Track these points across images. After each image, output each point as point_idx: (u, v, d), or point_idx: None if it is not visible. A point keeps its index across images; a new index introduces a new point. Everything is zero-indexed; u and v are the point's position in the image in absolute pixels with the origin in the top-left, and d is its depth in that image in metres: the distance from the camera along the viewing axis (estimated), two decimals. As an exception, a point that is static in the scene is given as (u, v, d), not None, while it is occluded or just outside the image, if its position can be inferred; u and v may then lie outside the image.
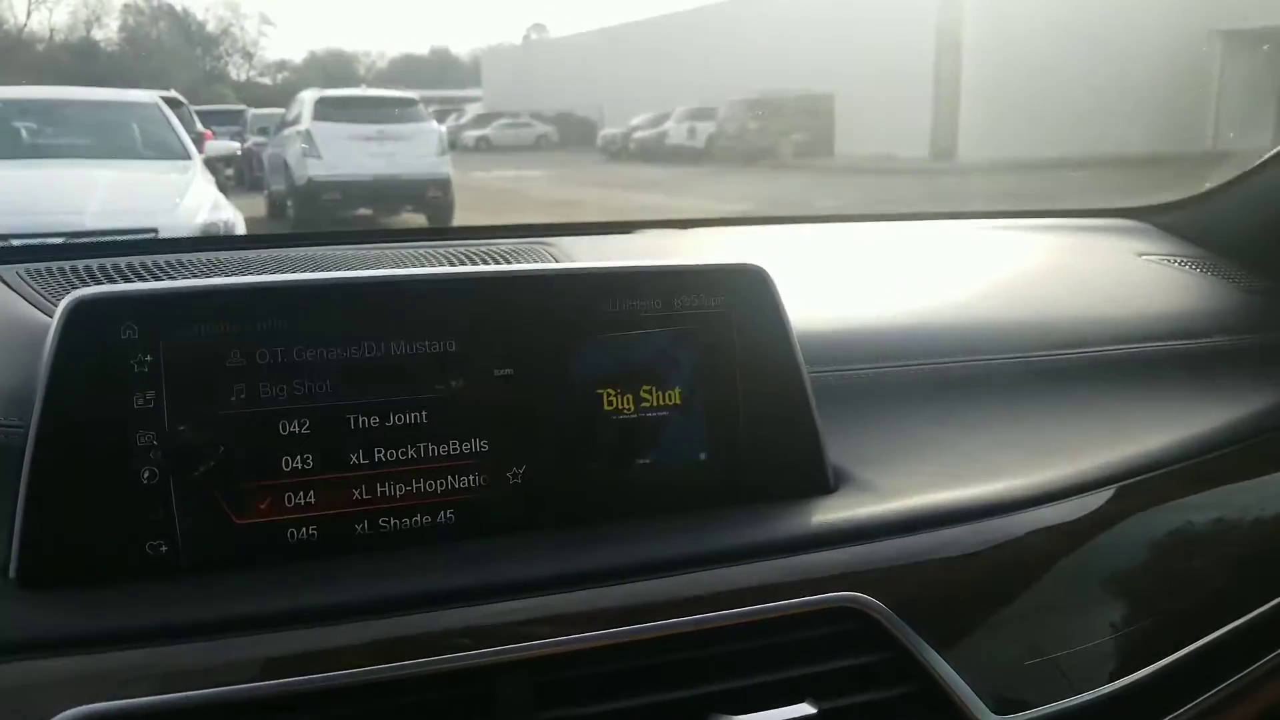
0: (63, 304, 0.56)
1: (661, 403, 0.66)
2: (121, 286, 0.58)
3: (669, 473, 0.65)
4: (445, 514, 0.61)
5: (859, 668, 0.59)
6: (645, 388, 0.66)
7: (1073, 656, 0.65)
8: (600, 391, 0.65)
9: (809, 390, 0.68)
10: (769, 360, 0.67)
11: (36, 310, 0.74)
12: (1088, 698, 0.64)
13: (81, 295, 0.57)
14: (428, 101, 11.31)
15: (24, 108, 5.30)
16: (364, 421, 0.60)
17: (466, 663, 0.53)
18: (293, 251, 0.96)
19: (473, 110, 23.16)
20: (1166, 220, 1.23)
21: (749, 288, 0.68)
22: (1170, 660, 0.68)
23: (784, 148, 15.93)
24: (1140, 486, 0.73)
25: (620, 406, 0.65)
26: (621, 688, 0.55)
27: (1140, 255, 1.13)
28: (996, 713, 0.60)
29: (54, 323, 0.56)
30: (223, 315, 0.58)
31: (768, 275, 0.68)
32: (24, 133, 5.14)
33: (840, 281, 0.98)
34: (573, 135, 22.03)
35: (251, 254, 0.95)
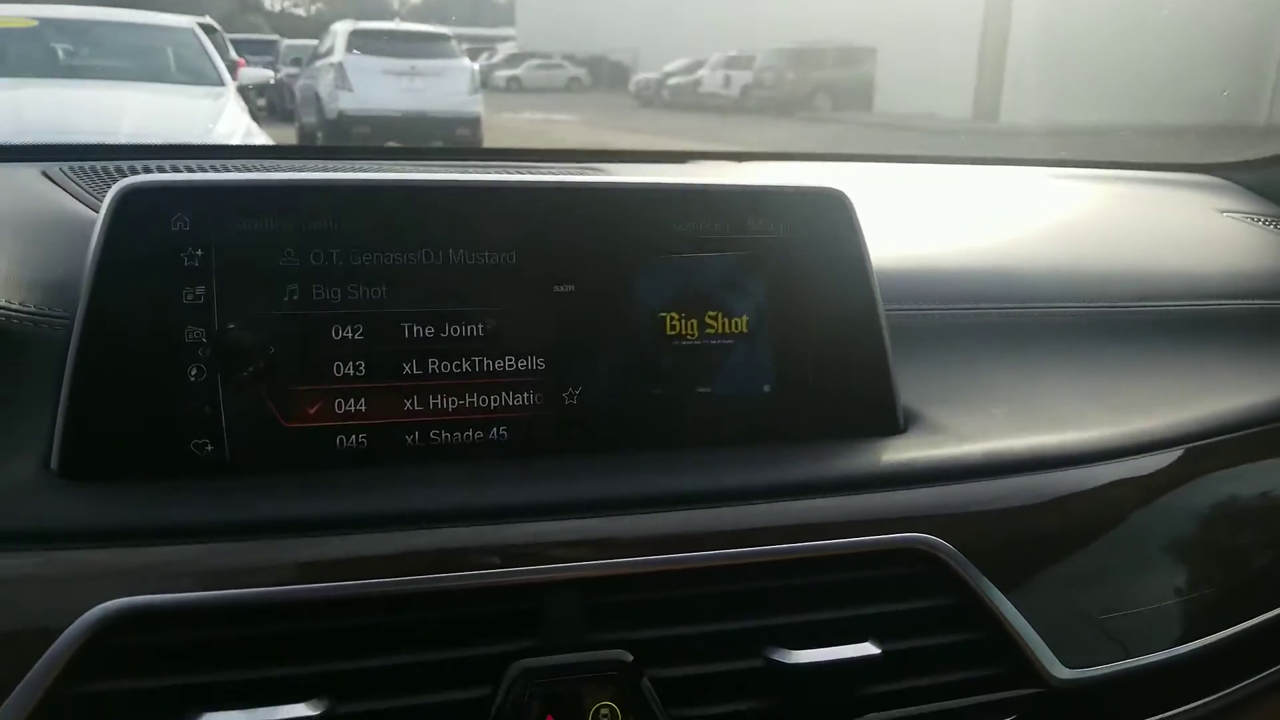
0: (113, 191, 0.54)
1: (727, 330, 0.63)
2: (174, 175, 0.55)
3: (731, 404, 0.62)
4: (498, 430, 0.58)
5: (925, 611, 0.56)
6: (710, 313, 0.62)
7: (1144, 615, 0.62)
8: (663, 315, 0.62)
9: (884, 326, 0.64)
10: (844, 292, 0.64)
11: (82, 205, 0.72)
12: (1158, 659, 0.61)
13: (133, 183, 0.54)
14: (460, 39, 11.14)
15: (60, 27, 5.24)
16: (418, 331, 0.57)
17: (515, 579, 0.51)
18: (334, 164, 0.93)
19: (505, 50, 22.81)
20: (1248, 178, 1.17)
21: (828, 213, 0.64)
22: (1245, 627, 0.66)
23: (821, 101, 15.62)
24: (1218, 447, 0.70)
25: (683, 332, 0.62)
26: (676, 615, 0.53)
27: (1221, 212, 1.08)
28: (1066, 666, 0.57)
29: (103, 210, 0.54)
30: (278, 211, 0.55)
31: (849, 201, 0.64)
32: (60, 52, 5.09)
33: (911, 221, 0.94)
34: (605, 79, 21.70)
35: (296, 164, 0.93)
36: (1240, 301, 0.87)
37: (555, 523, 0.53)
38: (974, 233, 0.92)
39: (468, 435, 0.58)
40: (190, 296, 0.54)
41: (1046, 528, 0.60)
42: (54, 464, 0.52)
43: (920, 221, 0.95)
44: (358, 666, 0.48)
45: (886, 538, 0.56)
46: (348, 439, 0.56)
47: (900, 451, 0.62)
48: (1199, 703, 0.62)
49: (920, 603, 0.56)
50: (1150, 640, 0.61)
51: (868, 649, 0.53)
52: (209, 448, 0.54)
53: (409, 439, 0.57)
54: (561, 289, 0.60)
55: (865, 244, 0.64)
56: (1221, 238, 1.01)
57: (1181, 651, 0.62)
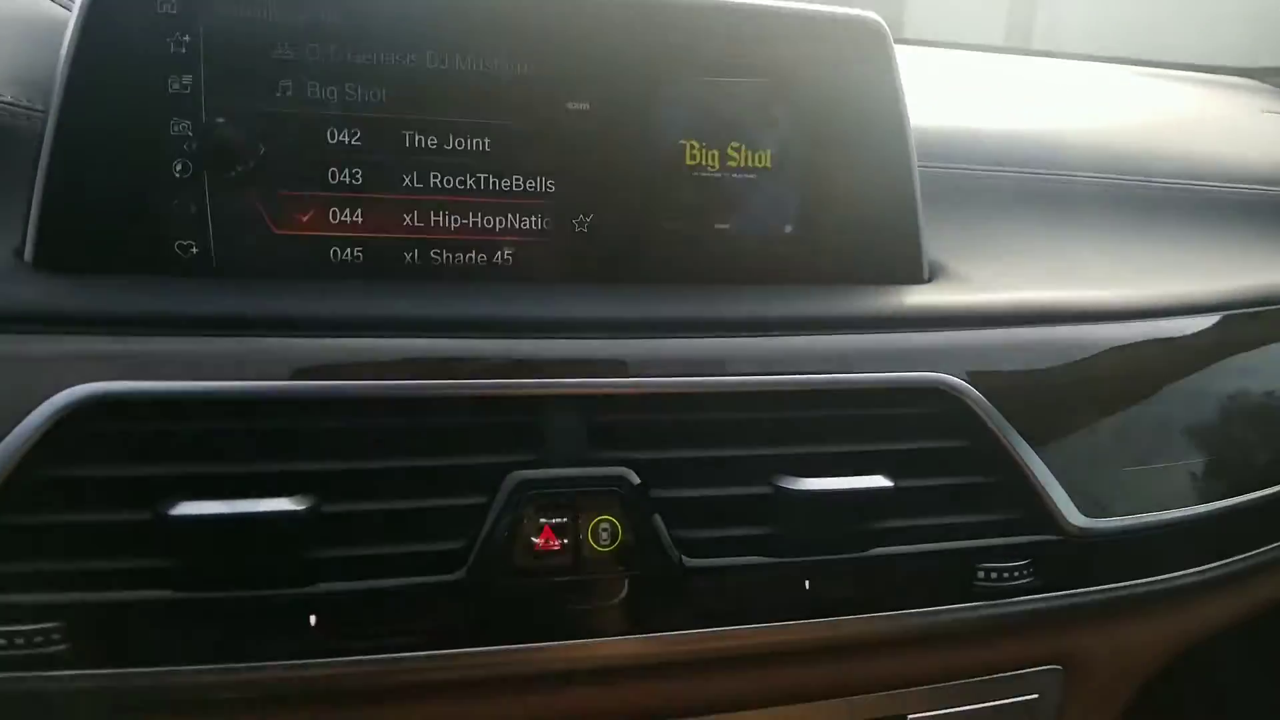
0: None
1: (749, 164, 0.59)
2: None
3: (750, 242, 0.59)
4: (502, 254, 0.55)
5: (942, 451, 0.53)
6: (733, 144, 0.58)
7: (1164, 473, 0.60)
8: (684, 143, 0.57)
9: (914, 168, 0.60)
10: (876, 130, 0.60)
11: (69, 12, 0.68)
12: (1174, 516, 0.59)
13: None
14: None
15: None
16: (421, 141, 0.53)
17: (516, 390, 0.48)
18: None
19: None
20: None
21: (863, 43, 0.60)
22: (1263, 495, 0.63)
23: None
24: (1249, 319, 0.67)
25: (704, 162, 0.58)
26: (682, 440, 0.50)
27: (1262, 111, 1.04)
28: (1084, 516, 0.55)
29: None
30: None
31: (885, 30, 0.60)
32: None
33: (953, 93, 0.89)
34: None
35: None
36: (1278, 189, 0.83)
37: (560, 341, 0.50)
38: (1020, 107, 0.87)
39: (470, 258, 0.55)
40: (176, 86, 0.50)
41: (1072, 379, 0.57)
42: (28, 254, 0.48)
43: (965, 94, 0.90)
44: (346, 468, 0.45)
45: (907, 375, 0.53)
46: (342, 251, 0.53)
47: (924, 296, 0.58)
48: (1212, 565, 0.60)
49: (938, 442, 0.53)
50: (1168, 498, 0.59)
51: (880, 482, 0.51)
52: (194, 250, 0.51)
53: (407, 256, 0.54)
54: (575, 106, 0.56)
55: (900, 79, 0.60)
56: (1261, 133, 0.97)
57: (1198, 512, 0.60)
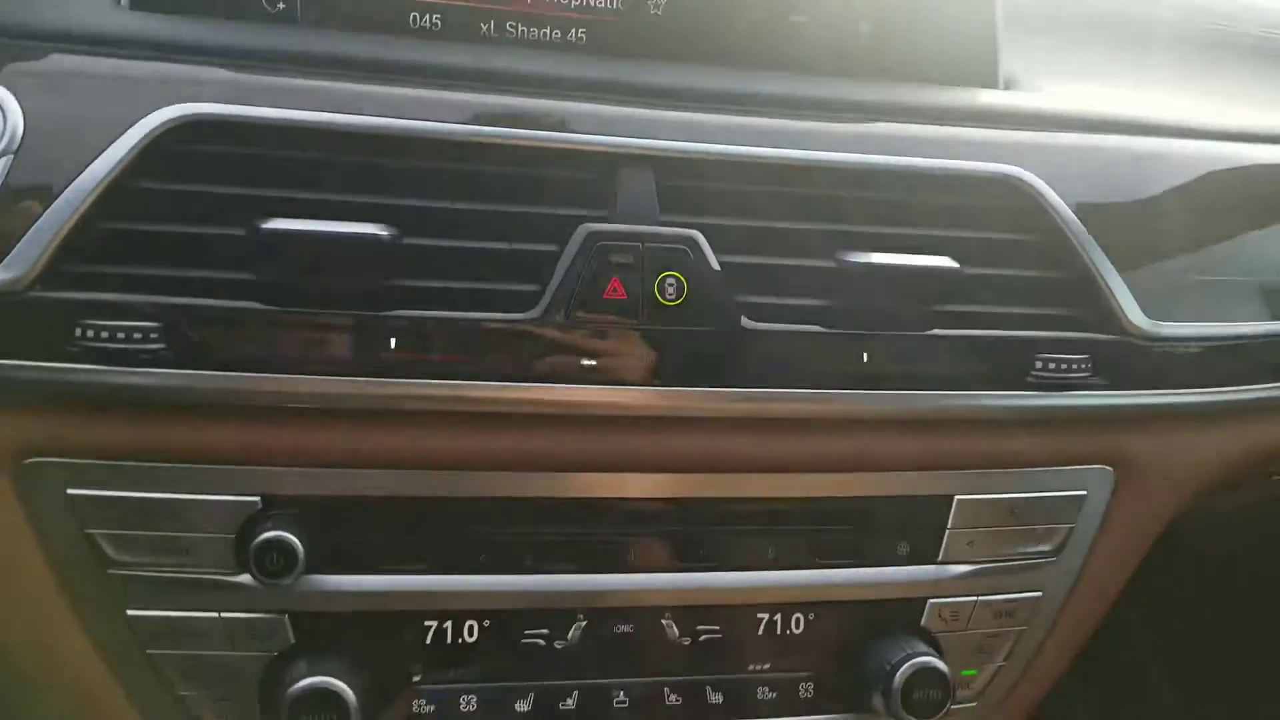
0: None
1: None
2: None
3: (825, 38, 0.58)
4: (576, 32, 0.56)
5: (1011, 243, 0.53)
6: None
7: (1227, 286, 0.58)
8: None
9: None
10: None
11: None
12: (1235, 330, 0.58)
13: None
14: None
15: None
16: None
17: (588, 145, 0.48)
18: None
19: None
20: None
21: None
22: None
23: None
24: None
25: None
26: (750, 209, 0.51)
27: None
28: (1146, 316, 0.54)
29: None
30: None
31: None
32: None
33: None
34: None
35: None
36: None
37: (635, 108, 0.50)
38: None
39: (545, 34, 0.55)
40: None
41: (1144, 187, 0.56)
42: (124, 1, 0.50)
43: None
44: (427, 205, 0.47)
45: (981, 165, 0.52)
46: (421, 17, 0.54)
47: (1000, 98, 0.58)
48: (1269, 385, 0.59)
49: (1006, 234, 0.53)
50: (1232, 311, 0.58)
51: (944, 263, 0.51)
52: (281, 5, 0.52)
53: (484, 27, 0.55)
54: None
55: None
56: None
57: (1262, 330, 0.58)
